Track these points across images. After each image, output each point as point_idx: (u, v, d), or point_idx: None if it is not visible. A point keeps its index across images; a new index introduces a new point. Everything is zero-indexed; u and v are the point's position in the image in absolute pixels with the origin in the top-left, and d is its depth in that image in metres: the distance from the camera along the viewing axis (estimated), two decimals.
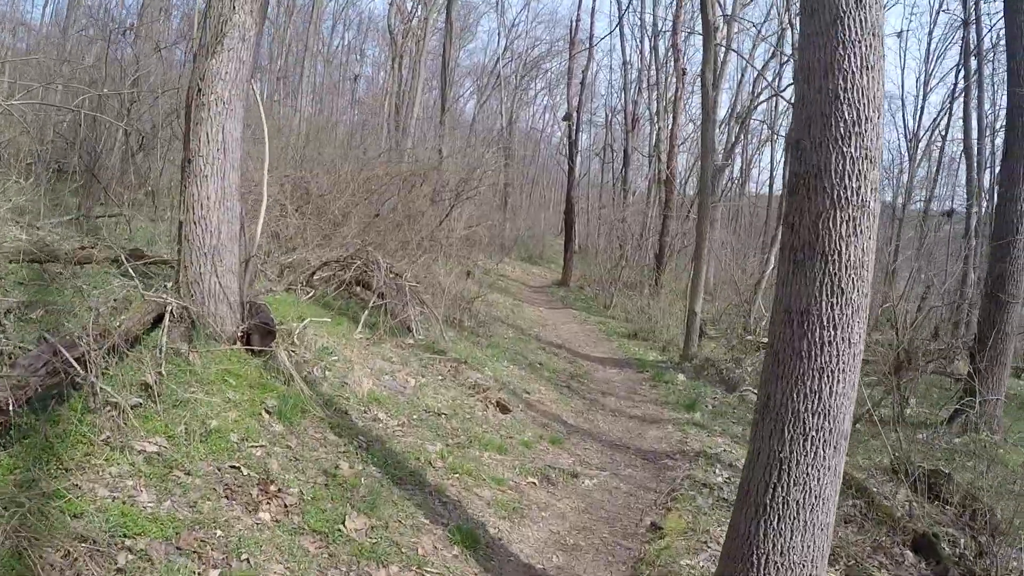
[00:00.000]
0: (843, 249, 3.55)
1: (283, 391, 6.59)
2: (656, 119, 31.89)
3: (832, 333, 3.57)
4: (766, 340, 14.37)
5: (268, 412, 6.23)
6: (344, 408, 7.04)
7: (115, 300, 6.85)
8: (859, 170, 3.57)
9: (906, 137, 36.27)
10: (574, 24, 29.43)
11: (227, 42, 7.23)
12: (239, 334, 7.31)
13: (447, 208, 18.59)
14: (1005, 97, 12.36)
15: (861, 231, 3.59)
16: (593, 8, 30.01)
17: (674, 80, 27.40)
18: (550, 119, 52.56)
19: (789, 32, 23.10)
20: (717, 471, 7.89)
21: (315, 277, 12.86)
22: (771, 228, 35.22)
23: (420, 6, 34.61)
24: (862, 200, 3.58)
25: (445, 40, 29.88)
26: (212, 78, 7.20)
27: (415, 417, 7.46)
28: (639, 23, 35.79)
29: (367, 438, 6.52)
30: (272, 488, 5.13)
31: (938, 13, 33.46)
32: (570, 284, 26.75)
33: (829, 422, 3.63)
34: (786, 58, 29.46)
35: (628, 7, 31.73)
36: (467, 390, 9.01)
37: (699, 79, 16.31)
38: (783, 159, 43.73)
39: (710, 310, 22.39)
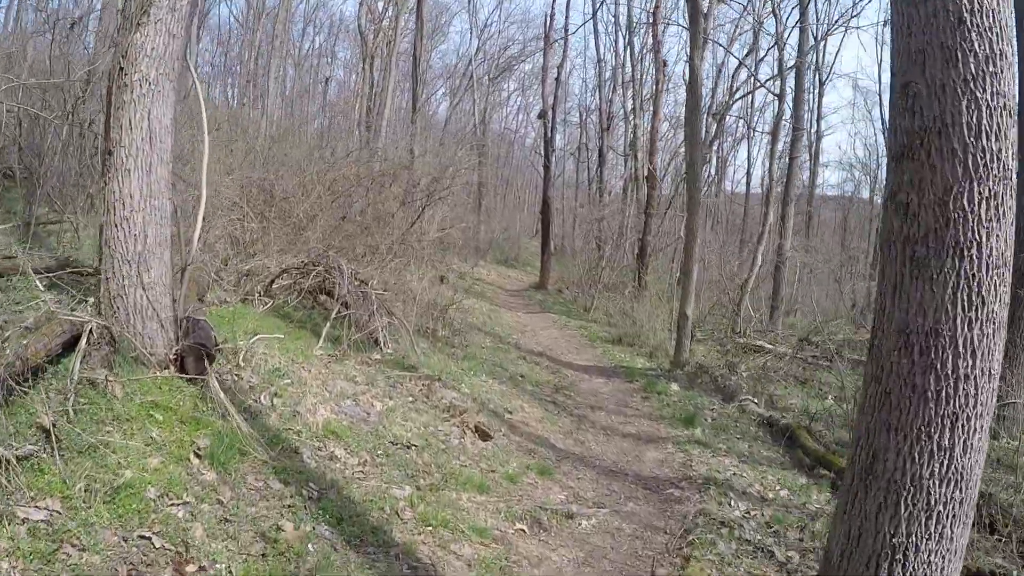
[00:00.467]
0: (983, 240, 2.40)
1: (220, 427, 5.40)
2: (632, 117, 30.87)
3: (970, 362, 2.42)
4: (759, 343, 13.20)
5: (199, 455, 5.05)
6: (294, 445, 5.83)
7: (31, 319, 5.63)
8: (998, 125, 2.42)
9: (884, 132, 35.52)
10: (548, 19, 28.28)
11: (154, 12, 6.03)
12: (172, 357, 6.11)
13: (419, 210, 17.39)
14: None
15: (1004, 214, 2.45)
16: (568, 3, 28.80)
17: (652, 73, 26.43)
18: (524, 120, 51.53)
19: (771, 23, 22.25)
20: (732, 502, 6.75)
21: (274, 286, 11.65)
22: (749, 226, 34.40)
23: (391, 6, 33.38)
24: (1004, 168, 2.43)
25: (416, 39, 28.67)
26: (136, 54, 6.01)
27: (380, 452, 6.26)
28: (613, 20, 34.85)
29: (320, 484, 5.31)
30: (190, 568, 3.92)
31: None
32: (548, 287, 25.61)
33: (960, 490, 2.49)
34: (763, 53, 28.67)
35: (603, 2, 30.63)
36: (441, 413, 7.81)
37: (673, 77, 15.29)
38: (760, 155, 43.04)
39: (694, 311, 21.36)
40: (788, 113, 19.23)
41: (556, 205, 44.39)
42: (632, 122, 30.56)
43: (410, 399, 8.00)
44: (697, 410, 10.35)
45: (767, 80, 20.11)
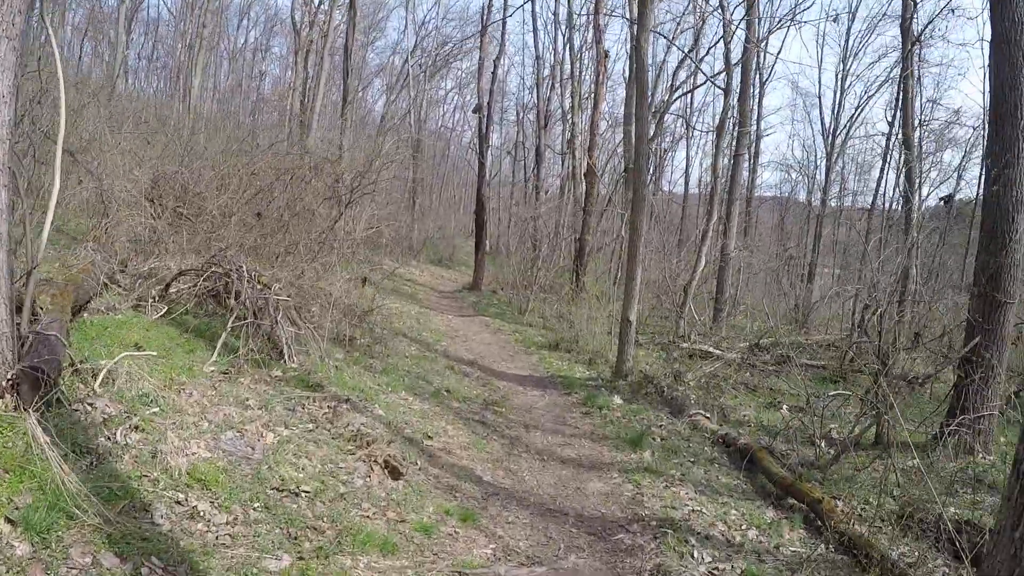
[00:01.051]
0: None
1: (52, 478, 4.06)
2: (570, 115, 29.79)
3: None
4: (705, 348, 12.10)
5: (11, 521, 3.71)
6: (146, 499, 4.45)
7: None
8: None
9: (823, 133, 35.07)
10: (486, 8, 26.97)
11: None
12: (7, 384, 4.76)
13: (342, 206, 15.97)
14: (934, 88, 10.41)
15: None
16: None
17: (592, 68, 25.32)
18: (461, 118, 50.11)
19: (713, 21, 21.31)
20: (695, 552, 5.53)
21: (171, 290, 10.21)
22: (687, 227, 33.61)
23: None
24: None
25: (348, 30, 27.17)
26: None
27: (258, 504, 4.87)
28: (553, 17, 33.78)
29: (169, 557, 3.95)
30: None
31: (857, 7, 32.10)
32: (482, 288, 24.33)
33: None
34: (703, 52, 27.84)
35: None
36: (346, 444, 6.44)
37: (613, 75, 14.16)
38: (699, 155, 42.47)
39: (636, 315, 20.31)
40: (734, 109, 18.30)
41: (492, 204, 43.23)
42: (570, 120, 29.52)
43: (310, 426, 6.63)
44: (644, 428, 9.17)
45: (714, 76, 19.12)
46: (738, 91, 18.77)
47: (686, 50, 22.35)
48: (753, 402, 11.82)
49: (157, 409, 5.64)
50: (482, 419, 9.03)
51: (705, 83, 28.59)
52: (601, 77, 19.57)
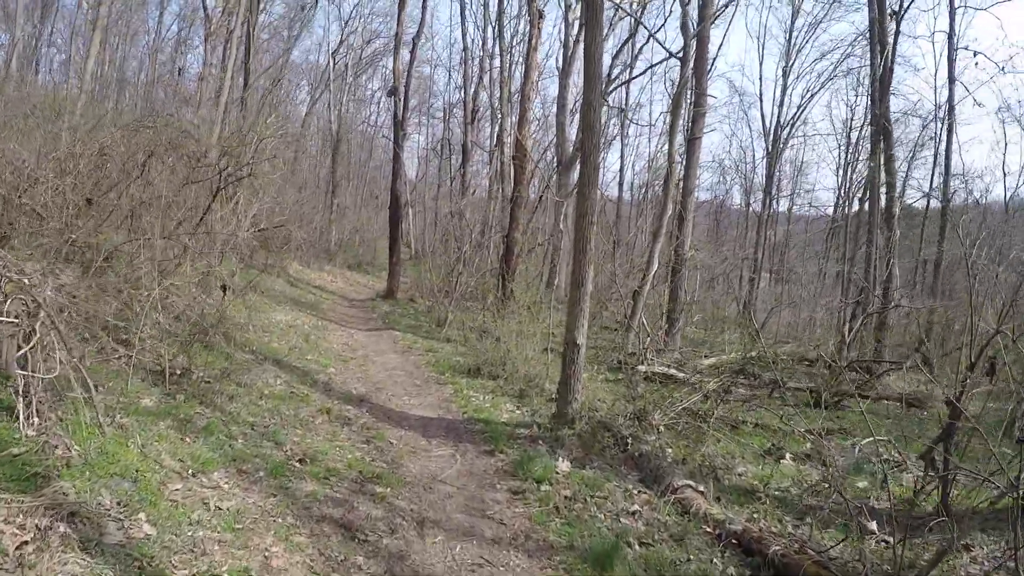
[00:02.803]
0: None
1: None
2: (499, 112, 26.21)
3: None
4: (666, 370, 8.46)
5: None
6: None
7: None
8: None
9: (764, 133, 32.05)
10: None
11: None
12: None
13: (212, 193, 11.92)
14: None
15: None
16: None
17: (528, 29, 21.55)
18: (388, 119, 45.90)
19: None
20: None
21: None
22: (622, 231, 30.12)
23: None
24: None
25: (251, 4, 23.04)
26: None
27: None
28: (482, 10, 30.12)
29: None
30: None
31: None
32: (397, 296, 20.39)
33: None
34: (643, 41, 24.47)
35: None
36: None
37: (543, 71, 10.54)
38: (631, 156, 39.31)
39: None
40: (690, 82, 14.81)
41: (418, 206, 39.27)
42: (499, 114, 25.95)
43: None
44: (611, 524, 5.49)
45: (672, 53, 15.53)
46: (694, 63, 15.28)
47: (636, 16, 18.74)
48: (743, 449, 8.28)
49: None
50: (346, 518, 5.17)
51: (647, 70, 25.32)
52: (534, 41, 15.82)
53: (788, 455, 8.11)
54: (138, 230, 10.06)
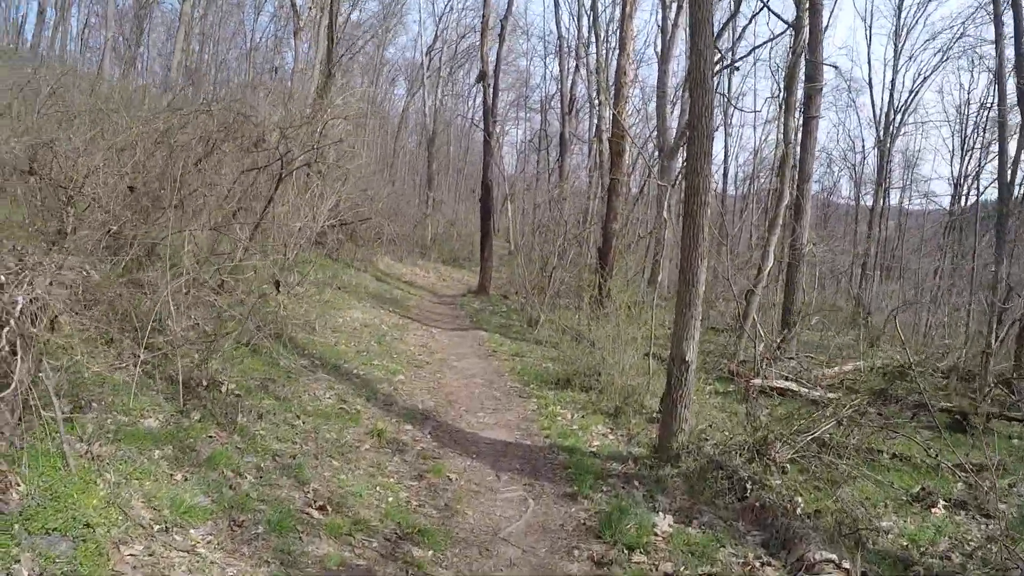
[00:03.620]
0: None
1: None
2: (597, 99, 24.52)
3: None
4: (784, 384, 6.65)
5: None
6: None
7: None
8: None
9: (874, 120, 29.13)
10: None
11: None
12: None
13: (275, 181, 10.70)
14: None
15: None
16: None
17: (618, 34, 19.88)
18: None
19: None
20: None
21: None
22: (725, 226, 27.74)
23: None
24: None
25: None
26: None
27: None
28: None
29: None
30: None
31: None
32: (489, 292, 18.97)
33: None
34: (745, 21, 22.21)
35: None
36: None
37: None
38: (734, 147, 36.82)
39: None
40: (805, 52, 12.71)
41: (519, 203, 37.85)
42: (598, 101, 24.25)
43: None
44: None
45: (785, 21, 13.47)
46: (808, 34, 13.19)
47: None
48: (883, 490, 6.37)
49: None
50: None
51: (751, 52, 23.14)
52: (629, 8, 13.98)
53: (940, 503, 6.17)
54: (186, 221, 8.89)
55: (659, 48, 24.95)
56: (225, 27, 41.21)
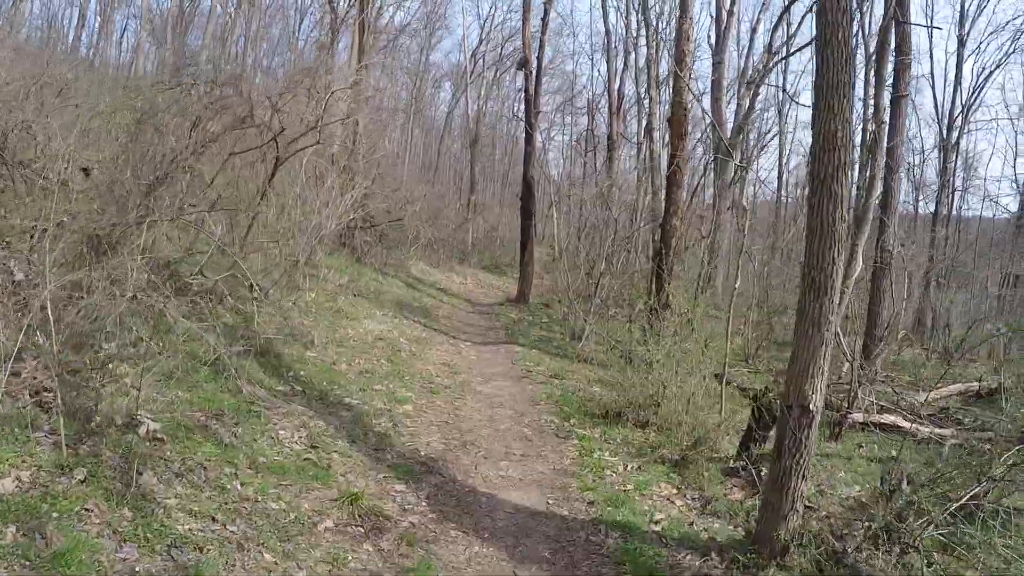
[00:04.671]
0: None
1: None
2: (646, 96, 22.40)
3: None
4: (888, 419, 4.72)
5: None
6: None
7: None
8: None
9: (937, 118, 26.32)
10: None
11: None
12: None
13: (270, 164, 8.79)
14: None
15: None
16: None
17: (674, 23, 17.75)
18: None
19: None
20: None
21: None
22: (780, 232, 25.15)
23: None
24: None
25: None
26: None
27: None
28: None
29: None
30: None
31: None
32: (529, 300, 16.91)
33: None
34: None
35: None
36: None
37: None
38: (789, 150, 34.39)
39: (739, 349, 12.49)
40: (893, 22, 10.41)
41: (563, 205, 35.67)
42: (648, 95, 22.13)
43: None
44: None
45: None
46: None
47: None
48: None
49: None
50: None
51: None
52: None
53: None
54: (152, 212, 7.03)
55: (712, 39, 22.84)
56: (269, 33, 39.95)
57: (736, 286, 7.36)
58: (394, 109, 30.39)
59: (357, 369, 7.87)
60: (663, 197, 11.88)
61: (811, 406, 3.85)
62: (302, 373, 7.01)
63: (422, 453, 5.62)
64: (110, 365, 5.28)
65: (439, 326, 12.39)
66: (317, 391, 6.55)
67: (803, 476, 3.99)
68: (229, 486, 4.23)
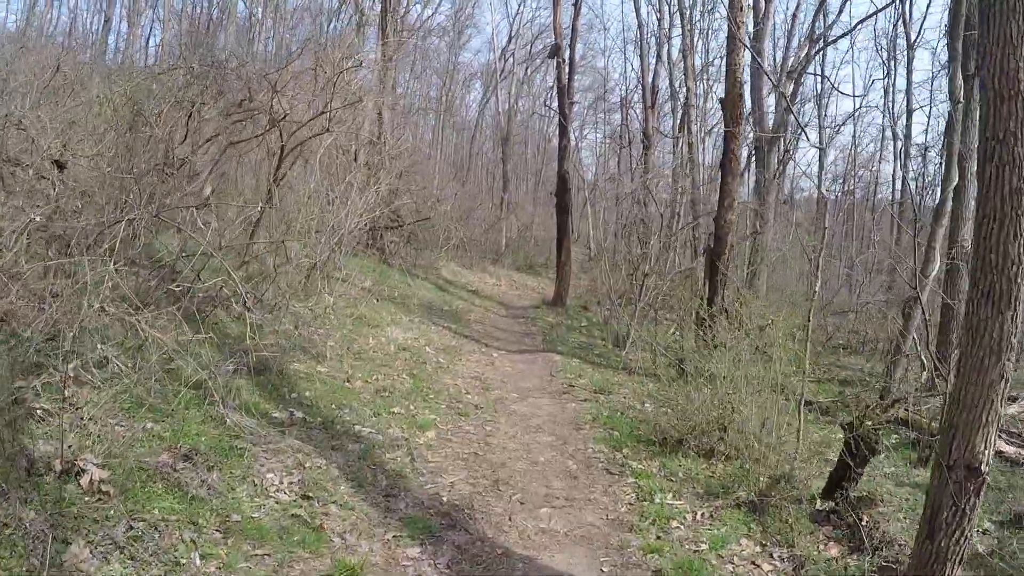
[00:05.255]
0: None
1: None
2: (684, 86, 21.17)
3: None
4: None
5: None
6: None
7: None
8: None
9: None
10: None
11: None
12: None
13: (275, 160, 7.78)
14: None
15: None
16: None
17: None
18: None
19: None
20: None
21: None
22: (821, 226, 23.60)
23: None
24: None
25: None
26: None
27: None
28: None
29: None
30: None
31: None
32: (567, 302, 15.70)
33: None
34: None
35: None
36: None
37: None
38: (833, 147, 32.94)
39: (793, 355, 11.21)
40: None
41: (598, 205, 34.44)
42: (684, 87, 20.90)
43: None
44: None
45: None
46: None
47: None
48: None
49: None
50: None
51: (857, 25, 19.50)
52: None
53: None
54: (132, 208, 6.03)
55: (751, 27, 21.55)
56: (297, 33, 39.21)
57: (816, 289, 6.10)
58: (424, 110, 29.45)
59: (374, 387, 6.80)
60: (705, 191, 10.66)
61: (981, 466, 2.67)
62: (307, 394, 5.95)
63: (444, 499, 4.52)
64: (66, 392, 4.28)
65: (470, 332, 11.29)
66: (321, 418, 5.48)
67: (958, 560, 2.81)
68: (186, 559, 3.18)
